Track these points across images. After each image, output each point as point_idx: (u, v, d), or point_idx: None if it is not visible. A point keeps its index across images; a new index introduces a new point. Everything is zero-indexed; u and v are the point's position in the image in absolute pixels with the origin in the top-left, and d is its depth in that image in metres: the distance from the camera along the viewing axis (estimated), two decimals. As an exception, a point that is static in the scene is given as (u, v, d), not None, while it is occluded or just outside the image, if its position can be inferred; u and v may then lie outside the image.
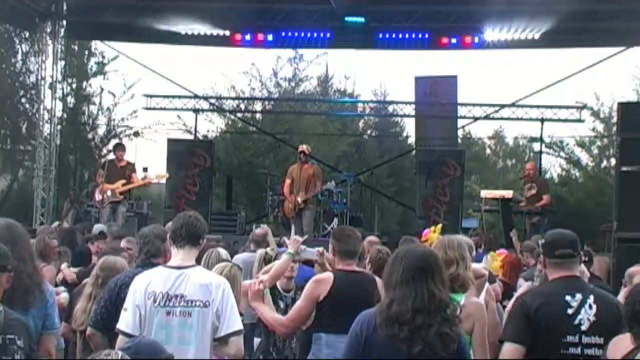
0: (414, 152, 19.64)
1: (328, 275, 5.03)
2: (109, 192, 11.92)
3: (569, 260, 3.96)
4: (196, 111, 18.44)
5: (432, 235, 5.97)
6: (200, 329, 3.97)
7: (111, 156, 14.21)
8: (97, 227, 9.52)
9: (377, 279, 5.21)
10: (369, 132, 26.84)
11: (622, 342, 3.37)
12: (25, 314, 3.98)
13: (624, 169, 9.64)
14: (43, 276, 4.31)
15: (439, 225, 6.08)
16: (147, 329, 4.00)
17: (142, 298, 4.02)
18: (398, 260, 3.46)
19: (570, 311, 3.79)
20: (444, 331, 3.30)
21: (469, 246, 4.61)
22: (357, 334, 3.43)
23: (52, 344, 4.23)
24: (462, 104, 17.73)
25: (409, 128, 23.56)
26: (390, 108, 22.53)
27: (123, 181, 12.05)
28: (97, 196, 12.05)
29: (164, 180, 13.75)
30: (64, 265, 7.25)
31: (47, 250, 6.57)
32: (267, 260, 6.14)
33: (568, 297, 3.82)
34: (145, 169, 13.39)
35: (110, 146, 18.72)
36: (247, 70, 22.25)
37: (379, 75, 42.23)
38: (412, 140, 22.29)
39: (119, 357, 2.82)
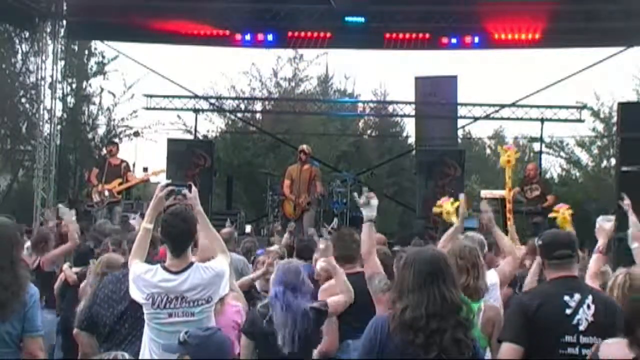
0: (414, 152, 19.62)
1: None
2: (106, 193, 11.92)
3: (567, 261, 3.97)
4: (196, 111, 18.41)
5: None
6: (206, 323, 3.98)
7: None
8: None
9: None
10: (369, 132, 26.79)
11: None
12: (2, 323, 3.88)
13: (624, 169, 9.63)
14: (26, 282, 4.06)
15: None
16: (151, 328, 4.04)
17: (141, 301, 4.06)
18: (408, 265, 3.46)
19: (568, 311, 3.80)
20: (459, 337, 3.30)
21: (480, 245, 4.59)
22: (372, 337, 3.44)
23: (35, 347, 4.03)
24: (462, 104, 17.69)
25: (409, 128, 23.55)
26: (390, 108, 22.49)
27: (120, 180, 12.05)
28: (95, 197, 12.04)
29: (161, 176, 13.71)
30: (65, 266, 7.23)
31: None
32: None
33: (566, 297, 3.82)
34: (145, 169, 13.38)
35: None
36: (247, 70, 22.26)
37: (379, 75, 42.32)
38: (412, 140, 22.26)
39: (122, 359, 2.85)
